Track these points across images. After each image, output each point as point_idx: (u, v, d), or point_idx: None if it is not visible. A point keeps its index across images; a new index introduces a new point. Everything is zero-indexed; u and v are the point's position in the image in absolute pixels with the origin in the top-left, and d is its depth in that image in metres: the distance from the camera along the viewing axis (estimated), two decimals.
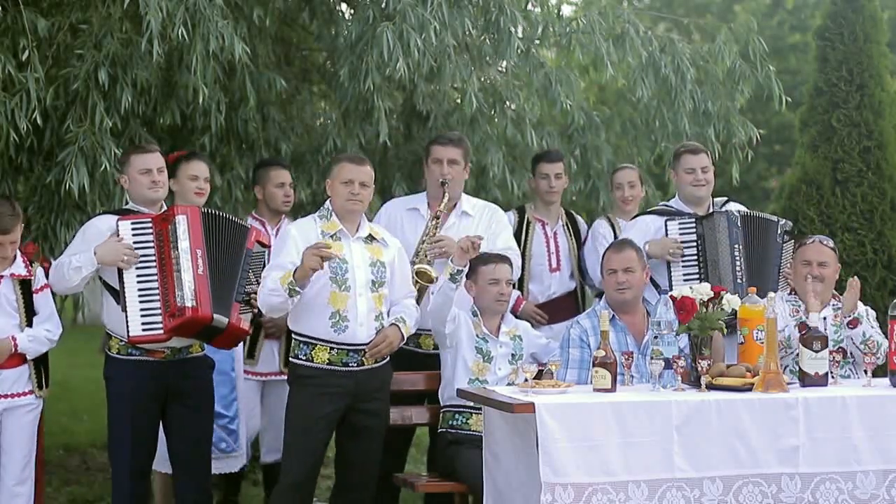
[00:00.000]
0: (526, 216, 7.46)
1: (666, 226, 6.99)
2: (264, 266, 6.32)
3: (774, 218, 7.14)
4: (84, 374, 12.35)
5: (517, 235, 7.35)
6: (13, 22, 6.78)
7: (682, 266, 6.92)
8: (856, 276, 6.47)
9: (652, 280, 6.89)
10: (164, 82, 7.50)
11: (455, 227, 6.76)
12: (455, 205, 6.83)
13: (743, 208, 7.20)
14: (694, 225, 6.95)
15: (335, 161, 6.20)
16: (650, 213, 7.25)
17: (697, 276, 6.86)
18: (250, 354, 7.11)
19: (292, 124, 8.39)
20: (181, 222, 6.01)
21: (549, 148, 8.00)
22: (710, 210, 7.07)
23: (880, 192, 8.06)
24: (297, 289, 5.79)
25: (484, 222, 6.83)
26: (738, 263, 6.85)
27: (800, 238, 6.80)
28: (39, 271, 6.17)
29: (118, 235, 6.04)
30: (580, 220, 7.67)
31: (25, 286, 6.09)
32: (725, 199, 7.28)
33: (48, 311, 6.16)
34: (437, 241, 6.66)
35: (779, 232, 6.98)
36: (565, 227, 7.50)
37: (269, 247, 6.36)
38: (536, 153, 7.74)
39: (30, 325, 6.08)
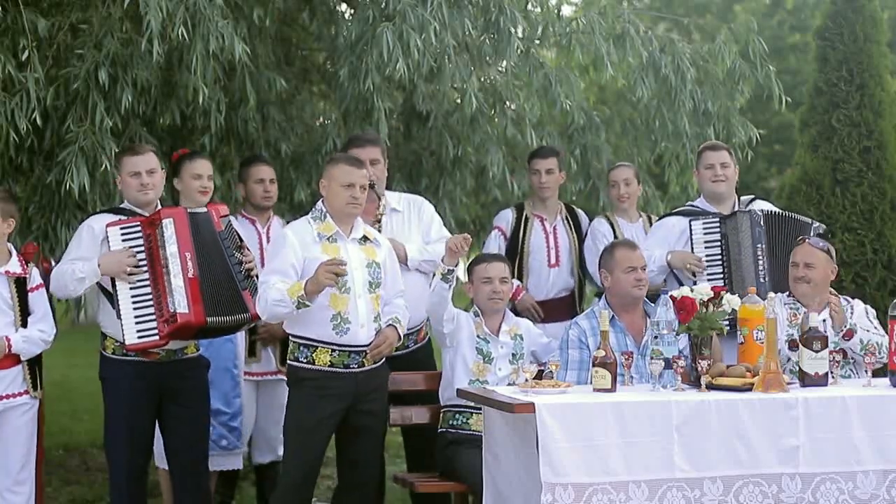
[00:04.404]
0: (524, 213, 7.45)
1: (690, 226, 6.94)
2: (240, 238, 6.29)
3: (808, 220, 7.05)
4: (84, 374, 12.33)
5: (515, 232, 7.34)
6: (13, 22, 6.78)
7: (707, 265, 6.86)
8: (834, 293, 6.37)
9: (677, 279, 6.87)
10: (164, 82, 7.50)
11: (388, 226, 6.69)
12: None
13: (770, 206, 7.15)
14: (718, 225, 6.92)
15: (332, 161, 6.09)
16: (675, 213, 7.19)
17: (721, 276, 6.83)
18: (252, 353, 7.10)
19: (292, 124, 8.38)
20: (168, 226, 5.95)
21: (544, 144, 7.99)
22: (735, 209, 7.02)
23: (880, 192, 8.05)
24: (307, 302, 5.76)
25: (414, 215, 6.78)
26: (760, 263, 6.79)
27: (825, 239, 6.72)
28: (35, 270, 6.09)
29: (108, 242, 6.00)
30: (581, 214, 7.64)
31: (21, 284, 5.99)
32: (752, 197, 7.23)
33: (42, 310, 6.06)
34: None
35: (811, 234, 6.81)
36: (565, 222, 7.49)
37: (227, 215, 6.30)
38: (531, 150, 7.73)
39: (24, 324, 5.99)
